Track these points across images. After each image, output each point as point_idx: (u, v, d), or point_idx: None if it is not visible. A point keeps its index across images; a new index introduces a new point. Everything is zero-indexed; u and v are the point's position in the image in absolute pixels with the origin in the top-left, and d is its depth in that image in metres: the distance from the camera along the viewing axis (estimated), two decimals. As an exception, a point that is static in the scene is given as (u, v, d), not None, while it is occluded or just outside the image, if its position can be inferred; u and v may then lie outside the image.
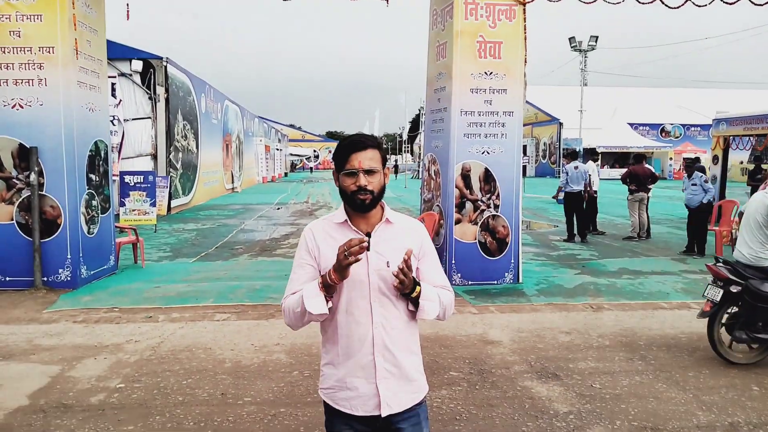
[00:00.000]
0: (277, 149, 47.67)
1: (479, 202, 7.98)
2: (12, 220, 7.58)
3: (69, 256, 7.64)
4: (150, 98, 17.43)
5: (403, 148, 61.56)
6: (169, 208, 17.20)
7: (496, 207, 8.00)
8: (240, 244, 11.95)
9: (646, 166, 13.14)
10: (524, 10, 7.91)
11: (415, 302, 2.11)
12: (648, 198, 12.66)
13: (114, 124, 15.16)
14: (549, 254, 10.69)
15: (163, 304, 7.08)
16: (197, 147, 21.34)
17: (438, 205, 8.36)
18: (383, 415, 2.10)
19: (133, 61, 16.86)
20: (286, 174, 53.23)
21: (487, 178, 7.96)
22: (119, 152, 16.08)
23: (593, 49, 44.02)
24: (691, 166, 10.75)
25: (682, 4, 8.01)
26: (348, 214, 2.16)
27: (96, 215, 8.24)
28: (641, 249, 11.25)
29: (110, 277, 8.49)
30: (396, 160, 62.93)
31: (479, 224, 7.98)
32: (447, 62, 8.01)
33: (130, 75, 16.91)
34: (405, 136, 52.14)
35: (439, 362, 5.15)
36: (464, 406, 4.30)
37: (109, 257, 8.63)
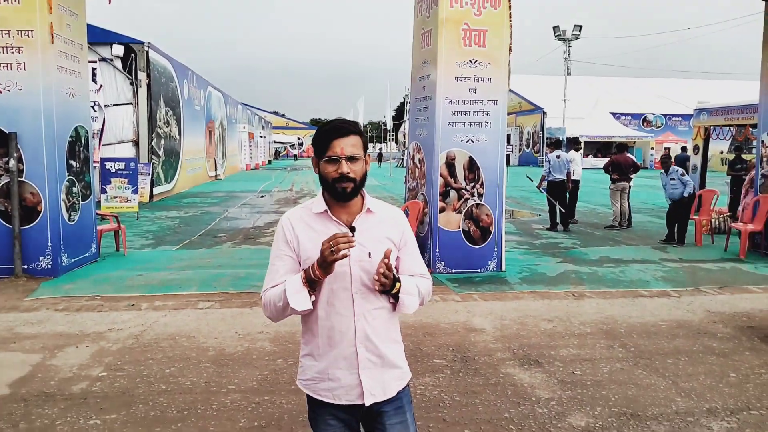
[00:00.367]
0: (261, 136, 47.33)
1: (463, 191, 8.00)
2: (-10, 207, 7.47)
3: (50, 244, 7.55)
4: (131, 84, 17.20)
5: (388, 137, 61.45)
6: (151, 196, 17.05)
7: (480, 196, 8.03)
8: (223, 232, 11.88)
9: (628, 155, 13.24)
10: (509, -2, 7.91)
11: (396, 296, 2.09)
12: (630, 187, 12.78)
13: (94, 110, 14.94)
14: (532, 243, 10.77)
15: (145, 292, 7.04)
16: (180, 134, 21.12)
17: (423, 194, 8.37)
18: (367, 404, 2.09)
19: (114, 45, 16.61)
20: (269, 161, 52.94)
21: (471, 166, 7.98)
22: (100, 138, 15.88)
23: (577, 38, 44.23)
24: (667, 161, 10.85)
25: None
26: (327, 204, 2.10)
27: (77, 202, 8.14)
28: (622, 238, 11.37)
29: (92, 265, 8.41)
30: (381, 149, 62.78)
31: (463, 213, 8.01)
32: (432, 50, 7.99)
33: (111, 60, 16.67)
34: (390, 124, 52.02)
35: (423, 350, 5.19)
36: (447, 393, 4.34)
37: (90, 245, 8.54)
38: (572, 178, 12.58)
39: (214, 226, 12.66)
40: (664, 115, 49.37)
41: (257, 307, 6.41)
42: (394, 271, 2.08)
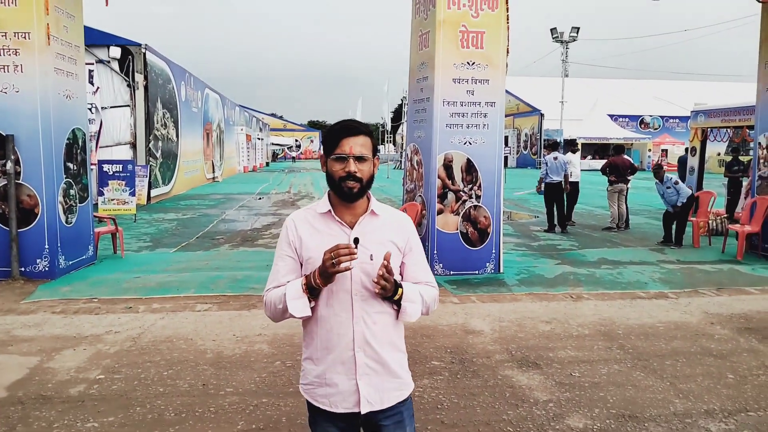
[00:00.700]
0: (259, 138, 47.34)
1: (461, 193, 8.00)
2: (-13, 209, 7.45)
3: (47, 246, 7.53)
4: (129, 86, 17.18)
5: (386, 138, 61.49)
6: (148, 198, 17.02)
7: (478, 197, 8.04)
8: (221, 234, 11.87)
9: (625, 157, 13.27)
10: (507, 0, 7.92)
11: (398, 303, 2.05)
12: (627, 189, 12.80)
13: (92, 112, 14.93)
14: (530, 244, 10.78)
15: (143, 294, 7.02)
16: (177, 136, 21.11)
17: (420, 196, 8.37)
18: (363, 412, 2.04)
19: (112, 47, 16.60)
20: (267, 164, 52.91)
21: (469, 168, 7.99)
22: (97, 141, 15.85)
23: (574, 40, 44.27)
24: (659, 171, 10.88)
25: (663, -3, 8.07)
26: (332, 204, 2.08)
27: (74, 204, 8.12)
28: (620, 239, 11.39)
29: (89, 268, 8.39)
30: (378, 150, 62.65)
31: (461, 214, 8.01)
32: (429, 52, 8.00)
33: (108, 62, 16.66)
34: (388, 126, 52.01)
35: (421, 352, 5.18)
36: (446, 395, 4.34)
37: (87, 247, 8.53)
38: (570, 180, 12.59)
39: (212, 229, 12.64)
40: (662, 117, 49.47)
41: (255, 309, 6.40)
42: (397, 276, 2.05)
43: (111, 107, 16.74)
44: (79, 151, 8.31)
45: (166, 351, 5.16)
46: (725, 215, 12.35)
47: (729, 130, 14.43)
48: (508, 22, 7.97)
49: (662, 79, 65.64)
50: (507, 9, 7.94)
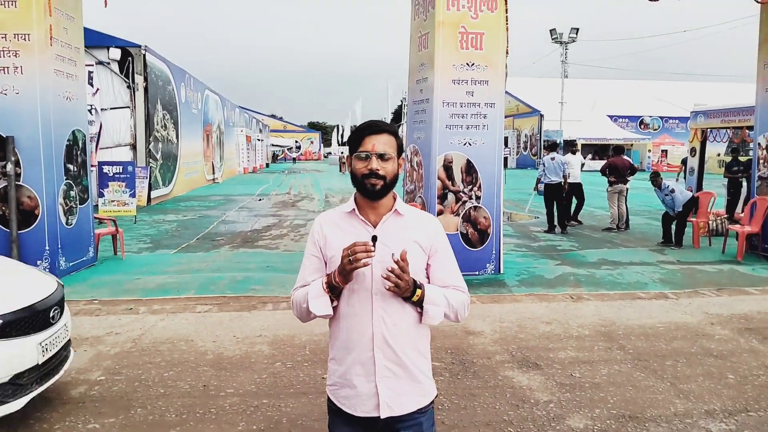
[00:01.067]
0: (259, 140, 47.32)
1: (461, 194, 8.01)
2: (-12, 210, 7.45)
3: (47, 248, 7.54)
4: (128, 87, 17.19)
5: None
6: (149, 199, 17.04)
7: (478, 198, 8.04)
8: (221, 236, 11.88)
9: (625, 158, 13.28)
10: (506, 0, 7.93)
11: (419, 304, 2.01)
12: (627, 189, 12.80)
13: (91, 114, 14.94)
14: (530, 245, 10.78)
15: (143, 295, 7.02)
16: (177, 137, 21.11)
17: (420, 197, 8.38)
18: (382, 417, 2.01)
19: (111, 49, 16.61)
20: (267, 165, 52.89)
21: (469, 169, 8.00)
22: (97, 142, 15.87)
23: (574, 41, 44.33)
24: (656, 178, 10.95)
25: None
26: (357, 204, 2.08)
27: (74, 206, 8.13)
28: (620, 240, 11.39)
29: (89, 269, 8.39)
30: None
31: (461, 215, 8.02)
32: (429, 53, 8.00)
33: (108, 63, 16.67)
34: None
35: (422, 353, 5.18)
36: (446, 395, 4.34)
37: (88, 249, 8.53)
38: (569, 181, 12.59)
39: (212, 230, 12.65)
40: (661, 118, 49.48)
41: (255, 310, 6.41)
42: (422, 278, 2.04)
43: (111, 109, 16.76)
44: (79, 152, 8.32)
45: (167, 352, 5.16)
46: (725, 216, 12.36)
47: (729, 130, 14.44)
48: (507, 23, 7.98)
49: (662, 79, 65.84)
50: (506, 10, 7.95)
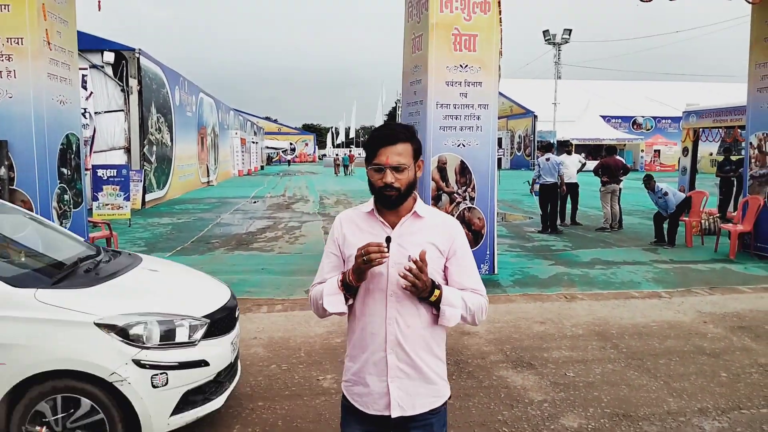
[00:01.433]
0: (253, 142, 47.31)
1: (455, 195, 8.04)
2: (-19, 215, 7.43)
3: (41, 252, 7.51)
4: (122, 90, 17.17)
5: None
6: (143, 202, 17.00)
7: (472, 199, 8.07)
8: (216, 238, 11.86)
9: (618, 158, 13.35)
10: (499, 2, 7.96)
11: (435, 306, 2.01)
12: (620, 189, 12.87)
13: (85, 117, 14.91)
14: (524, 245, 10.82)
15: (138, 299, 7.00)
16: (171, 140, 21.09)
17: (414, 198, 8.39)
18: (393, 416, 2.02)
19: (105, 52, 16.60)
20: (262, 167, 52.89)
21: (463, 170, 8.02)
22: (91, 146, 15.84)
23: (567, 42, 44.49)
24: (649, 181, 11.00)
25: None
26: (377, 205, 2.09)
27: (68, 210, 8.11)
28: (613, 240, 11.44)
29: (84, 273, 8.36)
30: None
31: (455, 216, 8.04)
32: (422, 55, 8.03)
33: (102, 67, 16.65)
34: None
35: (417, 353, 5.19)
36: (441, 396, 4.35)
37: (82, 252, 8.50)
38: (565, 181, 12.63)
39: (207, 233, 12.63)
40: (654, 118, 49.67)
41: (250, 312, 6.41)
42: (440, 279, 2.03)
43: (105, 112, 16.73)
44: (72, 156, 8.30)
45: (162, 355, 5.15)
46: (717, 215, 12.43)
47: (721, 130, 14.55)
48: (500, 25, 8.02)
49: (654, 80, 66.10)
50: (499, 12, 7.98)
